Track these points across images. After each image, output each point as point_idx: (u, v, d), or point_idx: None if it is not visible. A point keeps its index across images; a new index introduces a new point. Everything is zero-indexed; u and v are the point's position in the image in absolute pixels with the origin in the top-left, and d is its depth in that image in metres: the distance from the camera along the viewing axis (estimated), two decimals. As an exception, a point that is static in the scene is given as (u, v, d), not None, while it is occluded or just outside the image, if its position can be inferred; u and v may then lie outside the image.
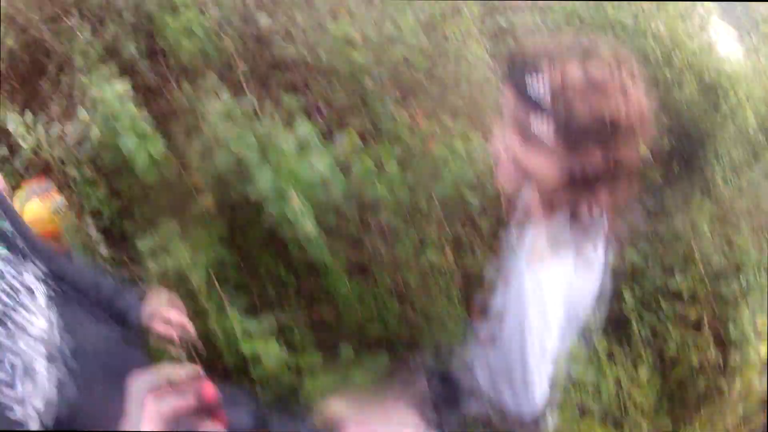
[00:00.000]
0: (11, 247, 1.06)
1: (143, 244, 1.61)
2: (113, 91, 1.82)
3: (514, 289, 1.21)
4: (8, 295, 1.00)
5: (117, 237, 2.00)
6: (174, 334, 1.38)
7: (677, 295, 3.56)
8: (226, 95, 1.64)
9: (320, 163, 1.49)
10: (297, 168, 1.46)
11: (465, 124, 2.03)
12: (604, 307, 1.39)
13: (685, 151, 5.80)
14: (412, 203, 1.90)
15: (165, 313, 1.38)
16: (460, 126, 1.95)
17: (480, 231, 2.41)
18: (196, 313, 1.69)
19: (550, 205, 1.22)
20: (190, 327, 1.41)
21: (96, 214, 2.00)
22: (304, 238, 1.53)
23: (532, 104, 1.11)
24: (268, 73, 1.91)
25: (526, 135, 1.14)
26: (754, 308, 2.68)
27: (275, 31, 1.86)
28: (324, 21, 1.83)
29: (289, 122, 1.61)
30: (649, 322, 3.53)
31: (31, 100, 2.99)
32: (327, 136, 1.80)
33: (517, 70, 1.16)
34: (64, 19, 2.61)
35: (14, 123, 2.15)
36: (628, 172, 1.18)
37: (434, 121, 1.91)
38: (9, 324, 0.97)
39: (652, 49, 4.47)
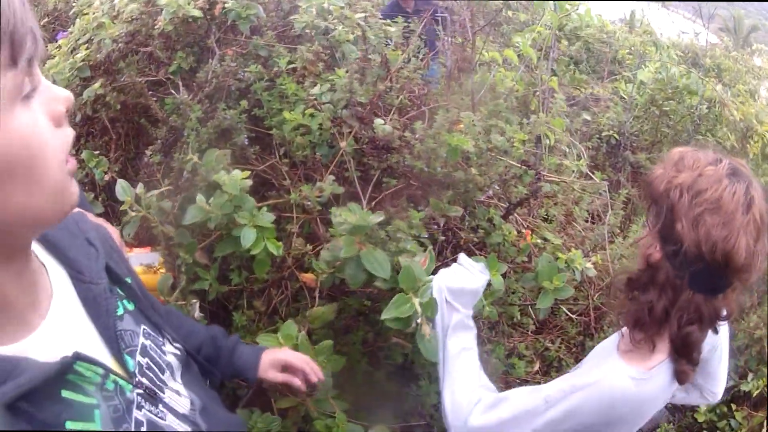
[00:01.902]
0: (148, 318, 1.05)
1: (265, 340, 1.64)
2: (233, 180, 1.88)
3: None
4: (154, 373, 0.98)
5: (220, 320, 2.05)
6: (295, 380, 1.46)
7: (747, 397, 3.52)
8: (356, 206, 1.68)
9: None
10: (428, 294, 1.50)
11: (564, 236, 2.09)
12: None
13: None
14: (508, 316, 1.94)
15: (293, 361, 1.45)
16: (560, 239, 2.00)
17: (568, 344, 2.45)
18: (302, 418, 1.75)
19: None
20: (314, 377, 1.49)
21: (200, 294, 2.03)
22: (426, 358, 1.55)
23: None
24: (381, 177, 1.97)
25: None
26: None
27: (392, 137, 1.92)
28: (441, 132, 1.89)
29: (414, 236, 1.67)
30: (721, 429, 3.49)
31: (128, 164, 3.12)
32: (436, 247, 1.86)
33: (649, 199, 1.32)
34: (173, 91, 2.73)
35: (124, 191, 2.13)
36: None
37: (537, 234, 1.96)
38: (160, 404, 0.95)
39: (727, 136, 4.52)
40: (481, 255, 1.90)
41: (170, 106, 2.71)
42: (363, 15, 2.55)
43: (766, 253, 1.22)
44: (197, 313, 2.07)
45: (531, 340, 2.44)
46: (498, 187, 1.98)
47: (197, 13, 2.69)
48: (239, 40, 2.68)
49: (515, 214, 2.15)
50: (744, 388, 3.71)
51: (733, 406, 3.62)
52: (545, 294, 1.88)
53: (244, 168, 2.02)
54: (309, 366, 1.50)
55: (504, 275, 1.97)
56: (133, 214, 2.08)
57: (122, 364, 0.90)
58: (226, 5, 2.71)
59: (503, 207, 2.06)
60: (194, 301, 2.08)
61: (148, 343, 1.01)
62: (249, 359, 1.43)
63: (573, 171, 2.22)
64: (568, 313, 2.50)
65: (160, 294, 2.07)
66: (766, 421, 3.28)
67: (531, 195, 1.98)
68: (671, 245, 1.23)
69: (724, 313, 1.30)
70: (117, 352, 0.90)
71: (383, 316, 1.49)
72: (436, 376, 1.90)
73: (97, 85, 2.99)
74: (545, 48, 2.59)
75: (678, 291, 1.25)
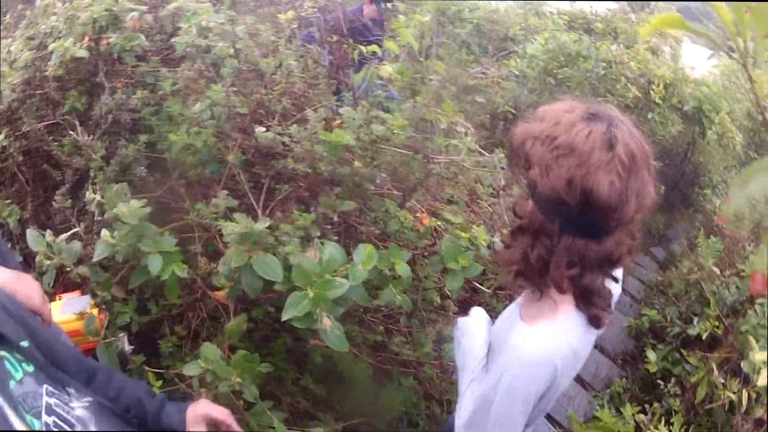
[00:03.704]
0: (49, 377, 1.07)
1: (190, 369, 1.66)
2: (132, 210, 1.87)
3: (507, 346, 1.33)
4: (63, 430, 1.00)
5: (147, 349, 2.04)
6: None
7: (698, 340, 3.63)
8: (241, 216, 1.71)
9: (346, 282, 1.57)
10: (324, 288, 1.53)
11: (465, 214, 2.15)
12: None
13: (683, 190, 5.90)
14: (428, 302, 1.98)
15: (214, 414, 1.42)
16: (461, 218, 2.05)
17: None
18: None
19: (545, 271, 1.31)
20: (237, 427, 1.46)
21: (127, 329, 2.02)
22: (336, 353, 1.57)
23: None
24: (272, 183, 2.00)
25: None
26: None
27: (275, 144, 1.95)
28: (316, 132, 1.92)
29: (304, 238, 1.70)
30: (677, 375, 3.58)
31: (40, 210, 3.05)
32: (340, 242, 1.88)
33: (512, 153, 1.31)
34: (71, 132, 2.70)
35: (35, 242, 2.08)
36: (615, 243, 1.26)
37: (437, 216, 2.01)
38: None
39: (627, 89, 4.65)
40: (383, 246, 1.94)
41: (68, 147, 2.68)
42: (242, 28, 2.57)
43: (647, 191, 1.20)
44: (127, 347, 2.05)
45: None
46: (386, 176, 2.03)
47: (83, 53, 2.69)
48: (126, 70, 2.68)
49: (415, 201, 2.20)
50: (691, 332, 3.82)
51: (684, 351, 3.72)
52: (453, 274, 1.90)
53: (144, 196, 2.02)
54: (230, 418, 1.47)
55: (412, 262, 2.00)
56: (48, 262, 2.03)
57: (28, 426, 0.93)
58: (110, 40, 2.70)
59: (400, 195, 2.10)
60: (122, 335, 2.06)
61: (52, 401, 1.03)
62: (174, 419, 1.41)
63: (464, 150, 2.28)
64: (487, 291, 2.55)
65: (87, 335, 2.04)
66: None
67: (423, 178, 2.03)
68: (533, 192, 1.25)
69: (615, 256, 1.28)
70: (21, 416, 0.93)
71: (283, 317, 1.52)
72: (363, 378, 1.94)
73: (0, 137, 2.93)
74: (429, 35, 2.65)
75: (553, 237, 1.26)
